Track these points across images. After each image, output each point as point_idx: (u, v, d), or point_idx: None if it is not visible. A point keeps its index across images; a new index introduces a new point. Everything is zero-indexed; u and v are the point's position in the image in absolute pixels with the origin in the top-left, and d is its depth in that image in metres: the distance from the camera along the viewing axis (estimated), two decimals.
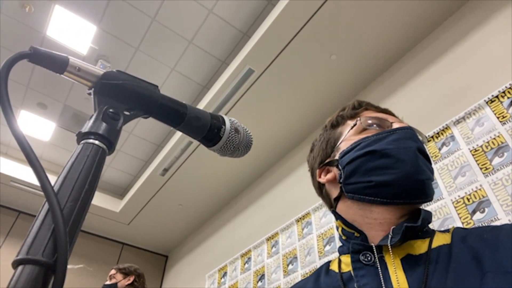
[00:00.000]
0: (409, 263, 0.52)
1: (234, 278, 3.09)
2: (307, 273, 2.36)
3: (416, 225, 0.53)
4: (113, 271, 2.23)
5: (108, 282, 2.17)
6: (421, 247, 0.53)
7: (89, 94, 0.42)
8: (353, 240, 0.58)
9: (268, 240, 2.91)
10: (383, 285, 0.50)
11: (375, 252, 0.54)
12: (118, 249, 4.75)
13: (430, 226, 0.59)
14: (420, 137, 0.62)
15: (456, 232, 0.55)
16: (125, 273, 2.21)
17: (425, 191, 0.56)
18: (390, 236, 0.53)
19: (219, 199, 3.98)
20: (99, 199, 4.26)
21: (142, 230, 4.55)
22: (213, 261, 3.64)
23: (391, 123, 0.64)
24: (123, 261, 3.59)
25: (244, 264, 3.06)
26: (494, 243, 0.49)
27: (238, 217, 3.72)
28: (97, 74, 0.42)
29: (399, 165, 0.56)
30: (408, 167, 0.55)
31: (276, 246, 2.79)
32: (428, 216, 0.57)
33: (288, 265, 2.57)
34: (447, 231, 0.57)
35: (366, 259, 0.54)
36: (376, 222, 0.57)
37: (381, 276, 0.51)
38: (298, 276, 2.42)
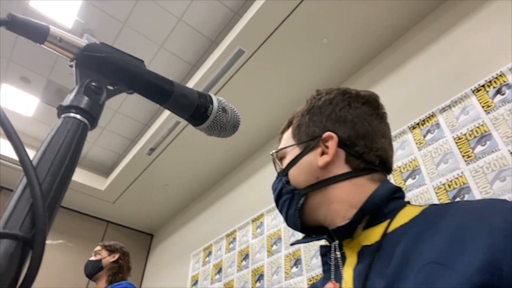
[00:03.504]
0: (363, 255, 0.50)
1: (219, 257, 3.14)
2: (290, 253, 2.41)
3: (339, 227, 0.53)
4: (98, 248, 2.22)
5: (93, 258, 2.17)
6: (376, 234, 0.51)
7: (71, 66, 0.40)
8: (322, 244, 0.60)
9: (254, 221, 2.94)
10: (333, 282, 0.51)
11: (334, 250, 0.55)
12: (103, 227, 4.74)
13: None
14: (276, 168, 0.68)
15: (425, 210, 0.51)
16: (111, 250, 2.21)
17: (293, 227, 0.62)
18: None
19: (206, 180, 3.99)
20: (84, 177, 4.22)
21: (127, 208, 4.55)
22: (198, 240, 3.68)
23: None
24: (108, 239, 3.57)
25: (229, 244, 3.10)
26: (438, 227, 0.45)
27: (224, 198, 3.74)
28: (79, 45, 0.40)
29: None
30: None
31: (261, 227, 2.82)
32: (377, 198, 0.54)
33: (272, 246, 2.61)
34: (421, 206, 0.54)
35: (330, 260, 0.55)
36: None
37: (332, 275, 0.52)
38: (281, 256, 2.47)
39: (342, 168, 0.58)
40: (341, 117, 0.61)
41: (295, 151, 0.63)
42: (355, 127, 0.60)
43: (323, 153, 0.59)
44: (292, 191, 0.60)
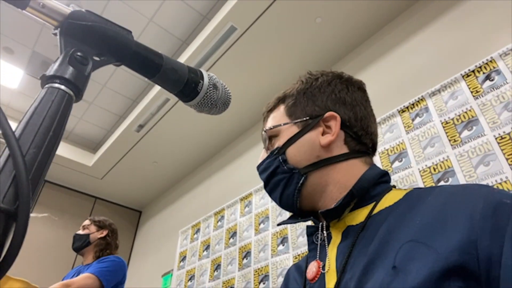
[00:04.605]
0: (347, 235, 0.52)
1: (207, 234, 3.18)
2: (277, 232, 2.46)
3: (328, 210, 0.53)
4: (87, 222, 2.20)
5: (80, 232, 2.16)
6: (361, 216, 0.53)
7: (55, 34, 0.39)
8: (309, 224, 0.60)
9: (242, 200, 2.97)
10: (318, 260, 0.53)
11: (321, 230, 0.56)
12: (91, 203, 4.73)
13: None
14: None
15: (409, 193, 0.53)
16: (100, 226, 2.20)
17: (288, 208, 0.61)
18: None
19: (195, 158, 3.98)
20: (71, 152, 4.16)
21: (115, 185, 4.53)
22: (187, 218, 3.71)
23: None
24: (96, 215, 3.56)
25: (217, 222, 3.13)
26: (421, 208, 0.47)
27: (213, 176, 3.75)
28: (63, 12, 0.38)
29: None
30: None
31: (249, 206, 2.85)
32: (365, 182, 0.55)
33: (259, 224, 2.65)
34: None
35: (316, 239, 0.56)
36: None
37: (317, 254, 0.54)
38: (268, 234, 2.52)
39: (341, 148, 0.59)
40: (341, 99, 0.62)
41: (292, 129, 0.61)
42: (354, 110, 0.61)
43: (323, 133, 0.59)
44: (290, 170, 0.58)
